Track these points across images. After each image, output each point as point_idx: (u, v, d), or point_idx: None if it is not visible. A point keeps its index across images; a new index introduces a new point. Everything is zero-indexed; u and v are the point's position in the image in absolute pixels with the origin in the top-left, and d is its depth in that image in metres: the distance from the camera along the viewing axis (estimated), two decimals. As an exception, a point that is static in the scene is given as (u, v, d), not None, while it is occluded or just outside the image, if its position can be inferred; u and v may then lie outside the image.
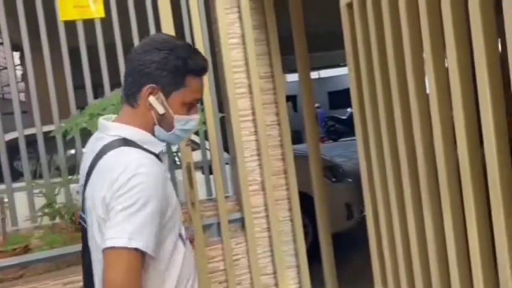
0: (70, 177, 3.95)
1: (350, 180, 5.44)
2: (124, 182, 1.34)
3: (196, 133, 3.86)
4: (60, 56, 3.84)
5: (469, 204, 1.80)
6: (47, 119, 3.93)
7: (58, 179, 3.87)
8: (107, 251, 1.33)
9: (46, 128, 3.87)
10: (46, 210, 3.72)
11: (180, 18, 3.92)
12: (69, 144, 3.93)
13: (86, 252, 1.55)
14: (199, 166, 3.82)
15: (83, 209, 1.54)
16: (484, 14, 1.63)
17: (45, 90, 3.83)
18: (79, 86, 4.02)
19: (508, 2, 1.46)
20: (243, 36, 3.64)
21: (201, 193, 3.72)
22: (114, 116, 1.60)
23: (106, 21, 3.94)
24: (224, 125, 3.83)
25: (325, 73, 22.54)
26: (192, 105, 1.54)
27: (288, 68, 6.55)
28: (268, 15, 3.69)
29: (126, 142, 1.45)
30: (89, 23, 3.91)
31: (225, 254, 3.59)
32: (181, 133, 1.54)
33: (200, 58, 1.55)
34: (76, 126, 3.49)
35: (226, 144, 3.91)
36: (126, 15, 3.98)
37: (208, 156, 3.80)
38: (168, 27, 3.41)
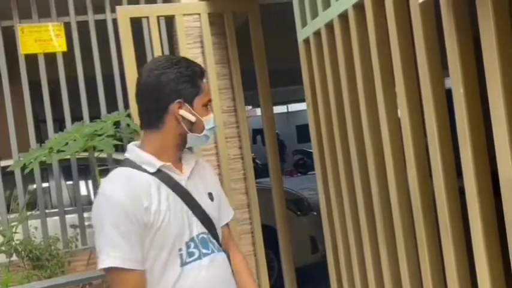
0: (29, 213, 3.86)
1: (315, 213, 5.44)
2: (94, 207, 1.52)
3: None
4: (20, 90, 3.80)
5: (420, 235, 1.83)
6: (5, 153, 3.86)
7: (16, 215, 3.78)
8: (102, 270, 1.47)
9: (4, 163, 3.79)
10: (2, 248, 3.62)
11: (144, 52, 3.94)
12: (29, 179, 3.85)
13: None
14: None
15: None
16: (429, 51, 1.69)
17: (4, 123, 3.76)
18: (42, 120, 3.97)
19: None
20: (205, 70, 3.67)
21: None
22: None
23: (68, 55, 3.93)
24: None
25: (293, 107, 22.83)
26: (207, 106, 1.64)
27: (257, 102, 6.60)
28: (231, 50, 3.74)
29: (127, 163, 1.58)
30: (50, 57, 3.89)
31: (187, 290, 3.52)
32: (208, 132, 1.65)
33: (196, 64, 1.66)
34: (35, 160, 3.43)
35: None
36: (88, 49, 3.98)
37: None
38: (130, 61, 3.42)
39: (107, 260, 1.44)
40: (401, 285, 2.00)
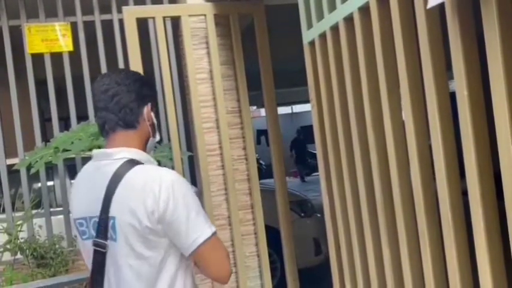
0: (34, 211, 3.89)
1: (319, 215, 5.45)
2: (170, 193, 1.54)
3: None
4: (27, 89, 3.82)
5: (423, 235, 1.84)
6: (11, 151, 3.89)
7: (21, 213, 3.81)
8: (200, 247, 1.55)
9: (9, 161, 3.81)
10: (7, 246, 3.64)
11: (149, 52, 3.96)
12: (34, 177, 3.88)
13: (100, 274, 1.62)
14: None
15: (99, 234, 1.59)
16: (434, 54, 1.70)
17: (10, 122, 3.79)
18: (47, 119, 3.99)
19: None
20: (211, 71, 3.69)
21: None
22: (102, 148, 1.76)
23: (74, 55, 3.95)
24: (193, 159, 3.84)
25: (298, 108, 22.82)
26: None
27: (262, 103, 6.63)
28: (236, 51, 3.75)
29: (135, 162, 1.61)
30: (56, 56, 3.92)
31: (190, 290, 3.54)
32: (156, 138, 1.76)
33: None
34: (41, 159, 3.45)
35: (195, 178, 3.91)
36: (94, 49, 4.01)
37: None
38: (136, 61, 3.44)
39: (210, 228, 1.59)
40: (404, 286, 2.01)
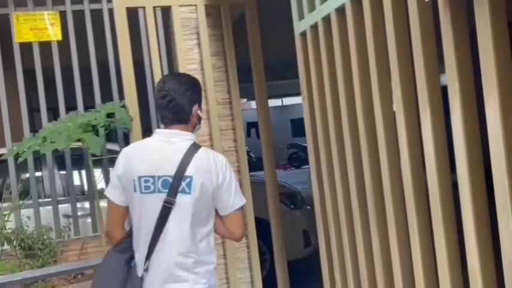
0: (22, 202, 3.85)
1: (308, 207, 5.46)
2: (225, 170, 2.15)
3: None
4: (15, 78, 3.78)
5: (412, 227, 1.84)
6: (-2, 141, 3.85)
7: (8, 204, 3.77)
8: (237, 210, 2.17)
9: (-3, 151, 3.77)
10: (-6, 236, 3.61)
11: (140, 43, 3.92)
12: (22, 168, 3.84)
13: (160, 225, 2.10)
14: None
15: (171, 192, 2.09)
16: (426, 46, 1.70)
17: (-2, 112, 3.75)
18: (36, 109, 3.95)
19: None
20: (201, 62, 3.67)
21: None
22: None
23: (63, 44, 3.91)
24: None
25: (288, 101, 22.81)
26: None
27: (252, 95, 6.62)
28: (227, 42, 3.73)
29: (198, 145, 2.20)
30: (45, 46, 3.87)
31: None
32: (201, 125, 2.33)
33: (194, 77, 2.38)
34: (28, 149, 3.42)
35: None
36: (84, 39, 3.96)
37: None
38: (126, 52, 3.40)
39: (244, 200, 2.21)
40: (393, 277, 2.01)
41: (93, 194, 3.82)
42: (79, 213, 4.05)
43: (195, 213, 2.10)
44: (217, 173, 2.12)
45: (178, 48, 3.59)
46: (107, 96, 3.96)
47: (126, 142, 3.93)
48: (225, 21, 3.70)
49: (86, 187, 4.26)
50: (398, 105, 1.86)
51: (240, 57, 3.80)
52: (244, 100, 16.75)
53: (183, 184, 2.10)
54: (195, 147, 2.16)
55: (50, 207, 3.99)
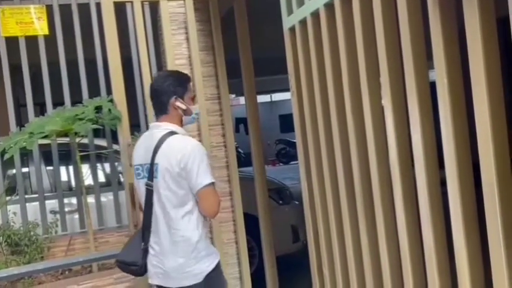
0: (8, 198, 3.82)
1: (297, 202, 5.46)
2: (189, 154, 2.34)
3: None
4: (1, 73, 3.73)
5: (401, 222, 1.85)
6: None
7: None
8: (202, 189, 2.34)
9: (-17, 147, 3.71)
10: (-20, 233, 3.57)
11: (127, 37, 3.89)
12: (9, 163, 3.80)
13: (148, 205, 2.45)
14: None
15: (149, 176, 2.42)
16: (414, 41, 1.70)
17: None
18: (22, 104, 3.90)
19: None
20: (189, 57, 3.65)
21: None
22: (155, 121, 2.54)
23: (50, 39, 3.87)
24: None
25: (277, 96, 22.81)
26: (194, 99, 2.58)
27: (241, 91, 6.60)
28: (215, 37, 3.72)
29: (174, 132, 2.41)
30: (31, 40, 3.82)
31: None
32: (195, 115, 2.55)
33: (185, 74, 2.62)
34: (15, 145, 3.38)
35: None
36: (71, 33, 3.92)
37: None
38: (113, 46, 3.37)
39: (210, 179, 2.36)
40: (381, 271, 2.02)
41: (80, 190, 3.79)
42: (66, 209, 4.02)
43: (168, 194, 2.38)
44: (181, 158, 2.33)
45: (167, 43, 3.57)
46: (94, 92, 3.93)
47: (114, 138, 3.90)
48: (213, 16, 3.68)
49: (73, 183, 4.22)
50: (387, 101, 1.86)
51: (228, 53, 3.79)
52: (233, 96, 16.73)
53: (154, 170, 2.41)
54: (166, 136, 2.40)
55: (36, 203, 3.95)
